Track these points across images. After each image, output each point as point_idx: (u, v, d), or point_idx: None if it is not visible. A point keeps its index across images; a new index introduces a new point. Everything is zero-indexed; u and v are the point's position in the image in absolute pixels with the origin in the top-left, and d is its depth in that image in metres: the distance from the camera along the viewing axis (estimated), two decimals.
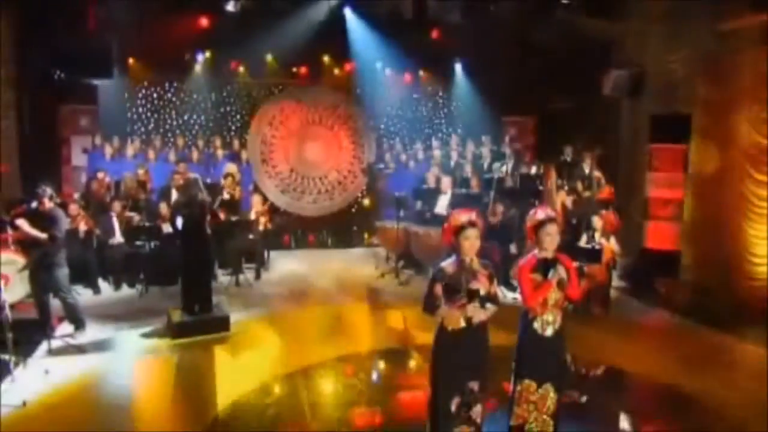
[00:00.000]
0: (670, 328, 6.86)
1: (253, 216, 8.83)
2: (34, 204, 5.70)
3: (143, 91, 10.82)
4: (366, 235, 11.05)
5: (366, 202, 11.36)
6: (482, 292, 3.36)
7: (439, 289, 3.40)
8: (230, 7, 9.23)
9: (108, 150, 9.65)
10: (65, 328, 6.05)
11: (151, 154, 9.83)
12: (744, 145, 7.29)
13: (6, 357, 4.91)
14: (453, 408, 3.48)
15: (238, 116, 11.32)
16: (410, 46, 10.65)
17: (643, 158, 8.59)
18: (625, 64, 9.00)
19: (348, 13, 10.50)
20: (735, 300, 7.04)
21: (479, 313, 3.42)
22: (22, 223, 5.60)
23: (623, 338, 6.35)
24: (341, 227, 11.27)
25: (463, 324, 3.43)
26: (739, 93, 7.35)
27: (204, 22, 9.56)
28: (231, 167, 9.41)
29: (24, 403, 4.47)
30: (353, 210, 11.54)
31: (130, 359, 5.64)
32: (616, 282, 8.01)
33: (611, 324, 6.78)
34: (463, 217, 3.50)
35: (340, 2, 10.27)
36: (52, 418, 4.42)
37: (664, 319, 7.10)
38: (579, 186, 8.62)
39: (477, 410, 3.53)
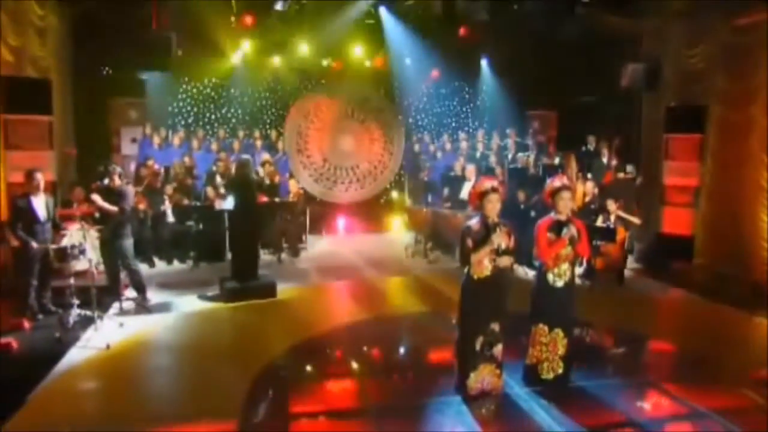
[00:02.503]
0: (682, 300, 7.33)
1: (291, 197, 9.53)
2: (106, 181, 6.45)
3: (184, 86, 11.57)
4: (396, 221, 11.60)
5: (394, 193, 11.95)
6: (503, 245, 3.94)
7: (469, 242, 4.00)
8: (279, 6, 9.59)
9: (156, 140, 10.45)
10: (130, 293, 6.79)
11: (195, 144, 10.63)
12: (760, 136, 7.60)
13: (89, 312, 5.67)
14: (478, 347, 4.07)
15: (274, 110, 12.03)
16: (439, 43, 11.10)
17: (661, 148, 8.97)
18: (644, 59, 9.34)
19: (381, 10, 10.95)
20: (749, 284, 7.37)
21: (504, 259, 3.97)
22: (97, 198, 6.35)
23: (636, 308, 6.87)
24: (372, 214, 11.86)
25: (487, 273, 4.02)
26: (756, 86, 7.67)
27: (248, 20, 10.08)
28: (266, 156, 10.15)
29: (108, 346, 5.26)
30: (382, 199, 12.14)
31: (189, 317, 6.37)
32: (633, 264, 8.47)
33: (626, 297, 7.28)
34: (487, 183, 4.10)
35: (374, 0, 10.75)
36: (130, 358, 5.23)
37: (677, 294, 7.54)
38: (598, 174, 9.07)
39: (498, 349, 4.12)
